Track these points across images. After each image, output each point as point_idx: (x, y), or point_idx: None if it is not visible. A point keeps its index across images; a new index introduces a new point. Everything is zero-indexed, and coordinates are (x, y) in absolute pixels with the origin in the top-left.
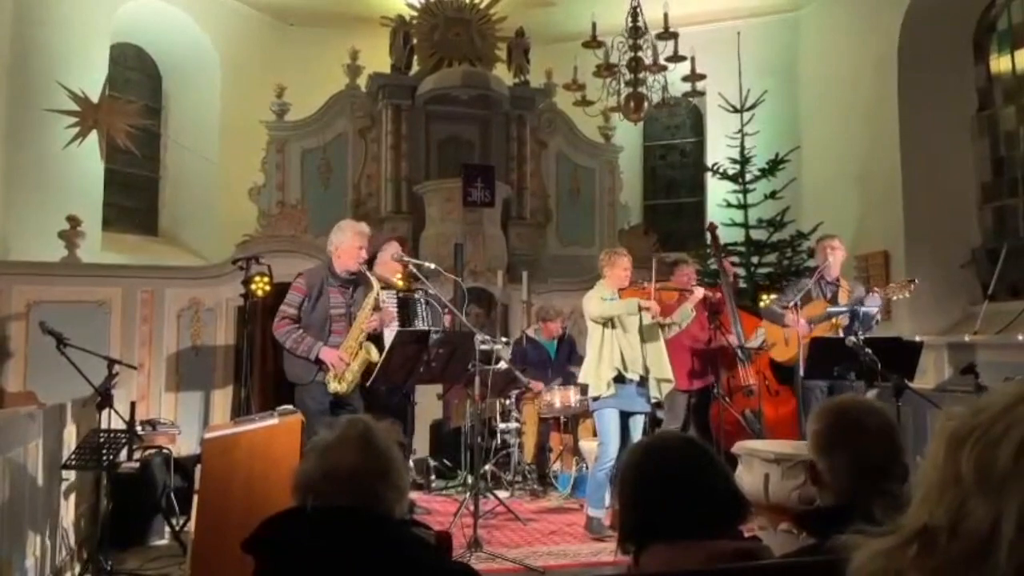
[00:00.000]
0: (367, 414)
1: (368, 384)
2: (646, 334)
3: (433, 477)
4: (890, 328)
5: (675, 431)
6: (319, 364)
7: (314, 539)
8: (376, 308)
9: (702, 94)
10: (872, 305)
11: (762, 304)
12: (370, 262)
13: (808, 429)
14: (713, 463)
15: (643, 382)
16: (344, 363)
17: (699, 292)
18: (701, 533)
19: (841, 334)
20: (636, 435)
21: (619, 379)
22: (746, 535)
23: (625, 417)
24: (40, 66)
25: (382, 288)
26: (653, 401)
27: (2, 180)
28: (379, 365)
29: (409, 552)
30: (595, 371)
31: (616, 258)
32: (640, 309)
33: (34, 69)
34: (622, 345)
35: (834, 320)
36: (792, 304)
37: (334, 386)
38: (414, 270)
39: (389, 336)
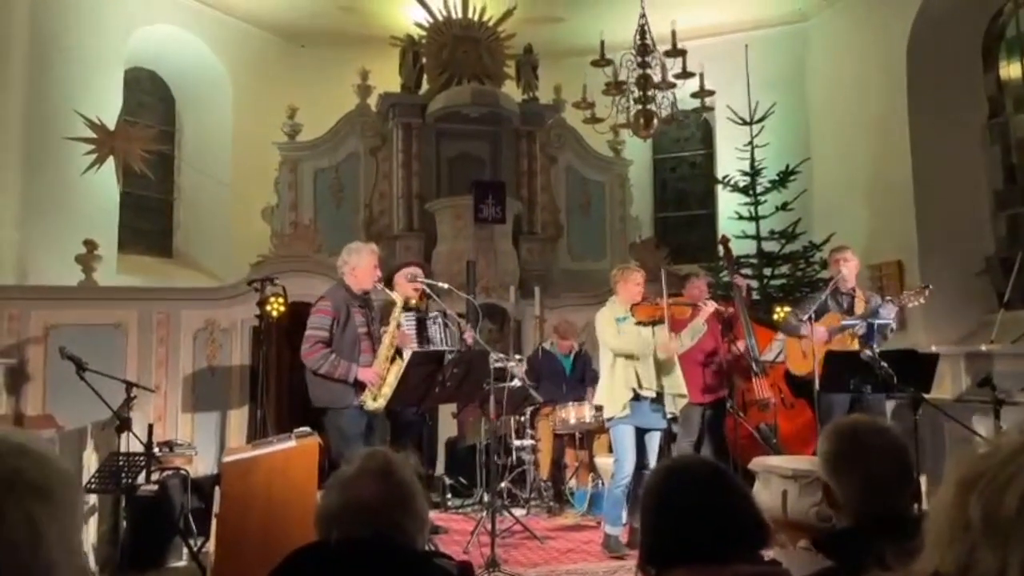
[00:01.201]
0: (385, 446)
1: (385, 407)
2: (668, 353)
3: (449, 495)
4: (905, 338)
5: (696, 454)
6: (356, 386)
7: (339, 573)
8: (398, 325)
9: (711, 109)
10: (887, 315)
11: (776, 317)
12: (388, 282)
13: (819, 450)
14: (734, 487)
15: (659, 398)
16: (381, 379)
17: (710, 306)
18: (721, 558)
19: (857, 346)
20: (652, 451)
21: (635, 397)
22: (766, 557)
23: (641, 433)
24: (57, 94)
25: (403, 310)
26: (669, 416)
27: (20, 206)
28: (395, 387)
29: None
30: (609, 393)
31: (628, 274)
32: (656, 348)
33: (51, 97)
34: (636, 364)
35: (849, 332)
36: (807, 318)
37: (371, 403)
38: (427, 290)
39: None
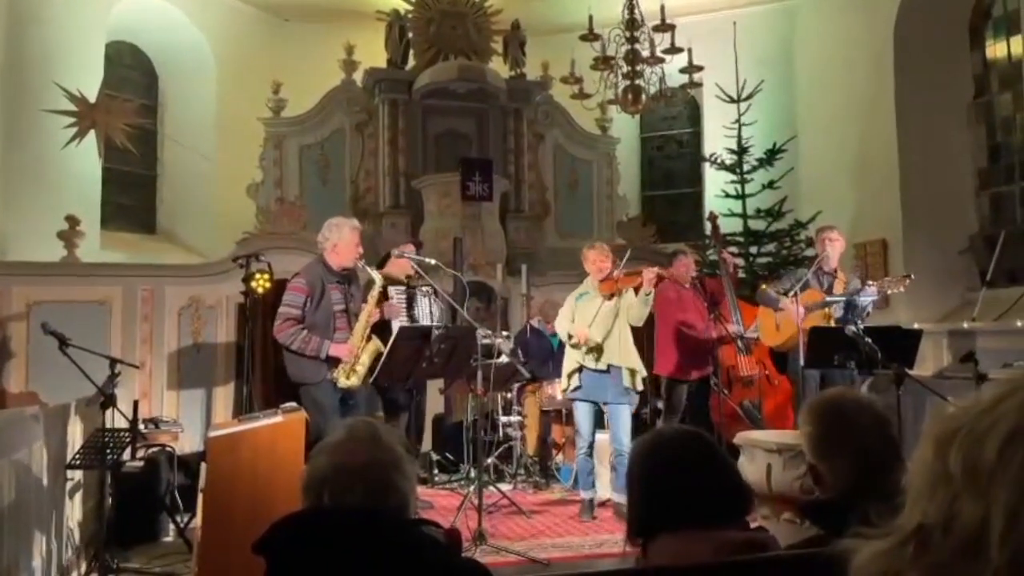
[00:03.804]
0: (370, 415)
1: (371, 381)
2: (608, 326)
3: (436, 471)
4: (888, 316)
5: (681, 425)
6: (328, 362)
7: (327, 541)
8: (383, 299)
9: (699, 85)
10: (867, 296)
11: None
12: (383, 260)
13: (801, 430)
14: (717, 455)
15: (617, 373)
16: (355, 356)
17: (649, 272)
18: (708, 524)
19: (833, 324)
20: (620, 427)
21: (580, 369)
22: (752, 526)
23: (604, 409)
24: (36, 66)
25: (390, 284)
26: (627, 388)
27: (1, 181)
28: (382, 362)
29: (421, 552)
30: (564, 368)
31: (587, 253)
32: (571, 337)
33: (30, 70)
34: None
35: (827, 310)
36: (792, 293)
37: (344, 381)
38: (415, 267)
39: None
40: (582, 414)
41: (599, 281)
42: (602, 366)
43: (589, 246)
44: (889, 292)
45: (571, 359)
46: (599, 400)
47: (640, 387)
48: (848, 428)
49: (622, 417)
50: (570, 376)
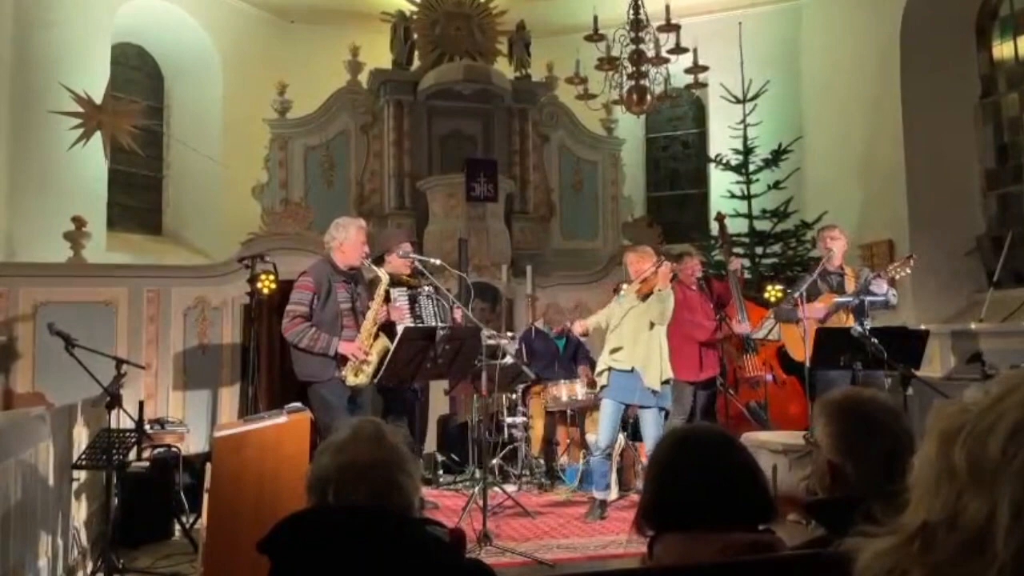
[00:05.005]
0: (376, 417)
1: (376, 381)
2: (634, 328)
3: (440, 472)
4: (895, 316)
5: (712, 424)
6: (336, 359)
7: (331, 540)
8: (387, 300)
9: (704, 85)
10: (878, 289)
11: (767, 295)
12: (380, 258)
13: (821, 430)
14: (743, 459)
15: (643, 374)
16: (364, 354)
17: (665, 267)
18: (718, 525)
19: (852, 321)
20: (648, 429)
21: (610, 369)
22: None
23: (635, 409)
24: (42, 68)
25: (393, 285)
26: (648, 389)
27: (7, 182)
28: (386, 362)
29: (426, 552)
30: (599, 366)
31: (628, 256)
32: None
33: (36, 71)
34: (612, 339)
35: (844, 309)
36: (797, 295)
37: (352, 379)
38: (420, 267)
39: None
40: (607, 415)
41: (639, 283)
42: (627, 367)
43: (631, 249)
44: (897, 276)
45: (601, 361)
46: (627, 401)
47: (657, 386)
48: (875, 427)
49: (650, 422)
50: (599, 375)
